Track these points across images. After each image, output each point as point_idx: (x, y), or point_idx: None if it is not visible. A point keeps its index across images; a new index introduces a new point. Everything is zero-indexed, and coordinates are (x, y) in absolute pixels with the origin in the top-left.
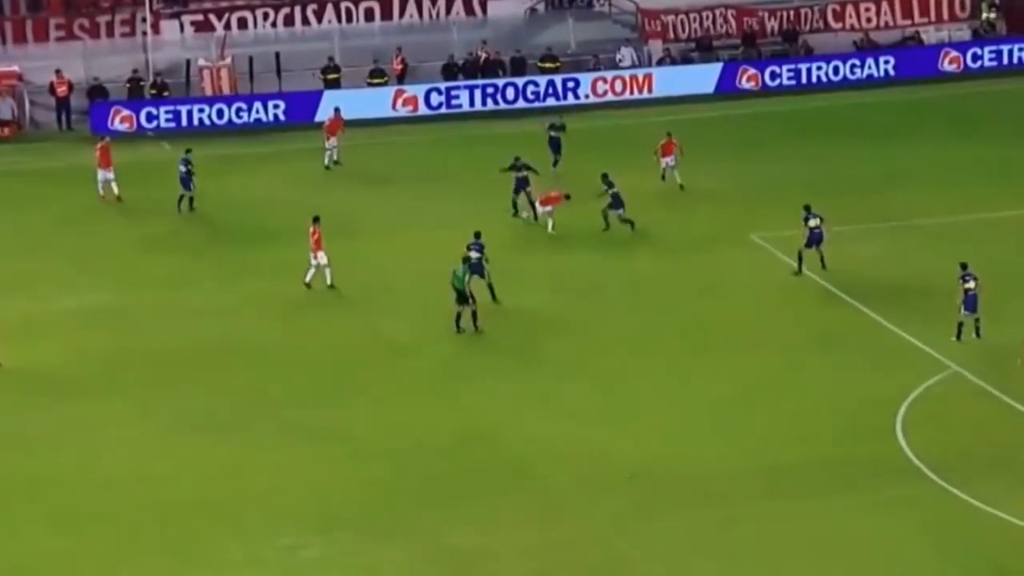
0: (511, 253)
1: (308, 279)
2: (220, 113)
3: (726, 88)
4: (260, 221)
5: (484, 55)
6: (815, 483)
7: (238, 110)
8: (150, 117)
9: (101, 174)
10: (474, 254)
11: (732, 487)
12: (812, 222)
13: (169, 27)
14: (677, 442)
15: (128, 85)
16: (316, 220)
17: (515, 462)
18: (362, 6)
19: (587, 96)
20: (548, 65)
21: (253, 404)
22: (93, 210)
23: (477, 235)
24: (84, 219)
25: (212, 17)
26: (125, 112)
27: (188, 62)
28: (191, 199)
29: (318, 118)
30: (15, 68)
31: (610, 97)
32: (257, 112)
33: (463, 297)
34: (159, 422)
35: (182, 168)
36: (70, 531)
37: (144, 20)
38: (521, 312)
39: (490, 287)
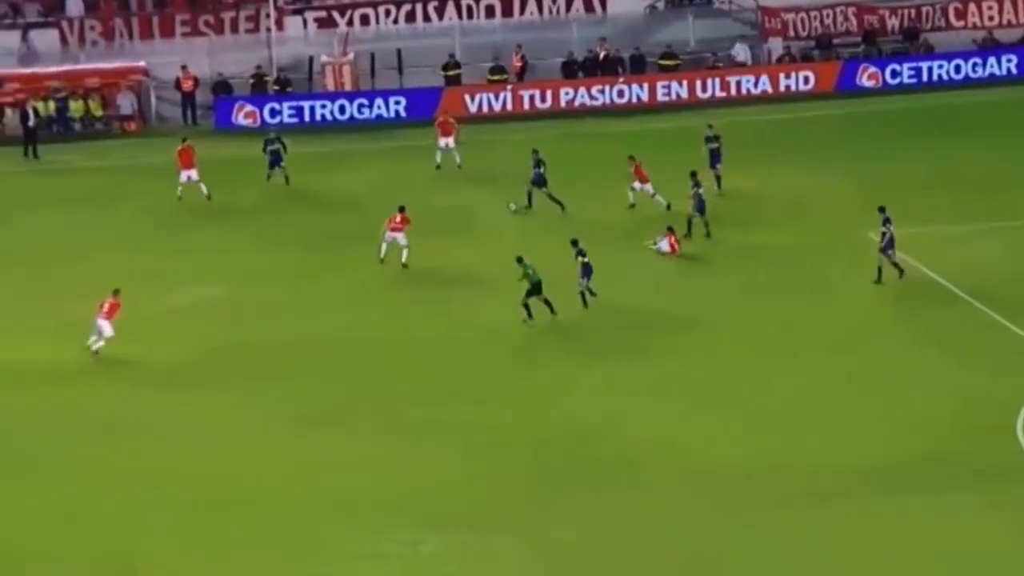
0: (616, 251)
1: (383, 255)
2: (342, 109)
3: (846, 86)
4: (377, 217)
5: (603, 52)
6: (930, 481)
7: (360, 106)
8: (273, 112)
9: (184, 175)
10: (583, 258)
11: (844, 483)
12: (886, 227)
13: (293, 23)
14: (788, 438)
15: (252, 81)
16: (402, 209)
17: (624, 456)
18: (483, 3)
19: (705, 93)
20: (667, 63)
21: (364, 398)
22: (211, 205)
23: (575, 242)
24: (201, 214)
25: (335, 13)
26: (249, 107)
27: (311, 58)
28: (286, 177)
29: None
30: (141, 64)
31: (725, 94)
32: (378, 108)
33: (538, 289)
34: (273, 416)
35: (272, 147)
36: (184, 524)
37: (268, 16)
38: (628, 309)
39: (588, 290)
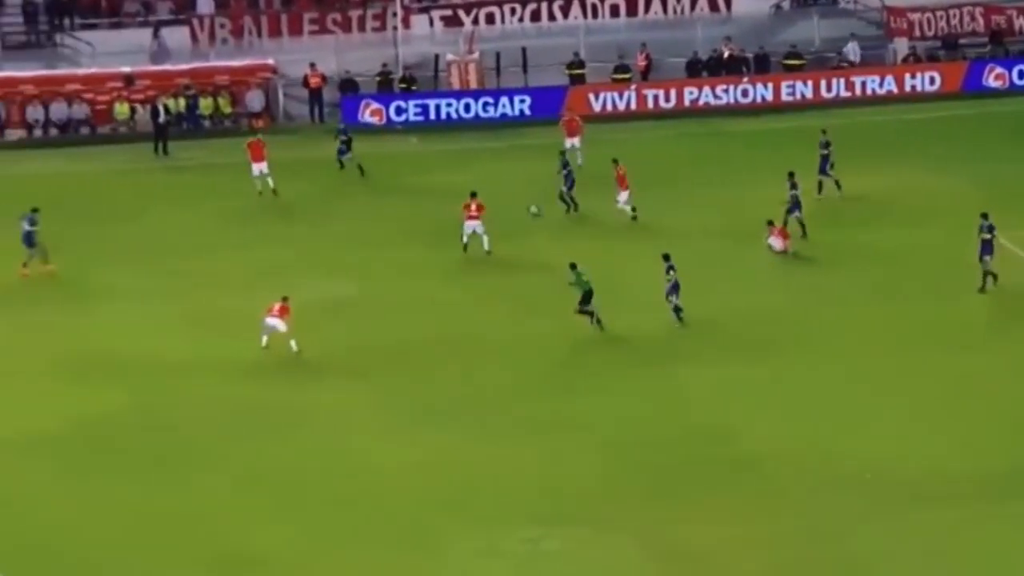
0: (734, 250)
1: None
2: (467, 107)
3: (972, 86)
4: (501, 215)
5: (728, 52)
6: None
7: (485, 104)
8: (399, 111)
9: (255, 168)
10: (672, 273)
11: (964, 488)
12: (987, 233)
13: (419, 22)
14: (907, 441)
15: (378, 79)
16: (474, 195)
17: (744, 457)
18: (608, 2)
19: (829, 93)
20: (792, 62)
21: (486, 395)
22: (335, 201)
23: (667, 257)
24: (328, 210)
25: (461, 12)
26: (375, 105)
27: (437, 56)
28: (359, 166)
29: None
30: (269, 61)
31: (850, 94)
32: (503, 106)
33: (589, 297)
34: (397, 412)
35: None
36: (307, 518)
37: (395, 15)
38: (745, 310)
39: (676, 308)
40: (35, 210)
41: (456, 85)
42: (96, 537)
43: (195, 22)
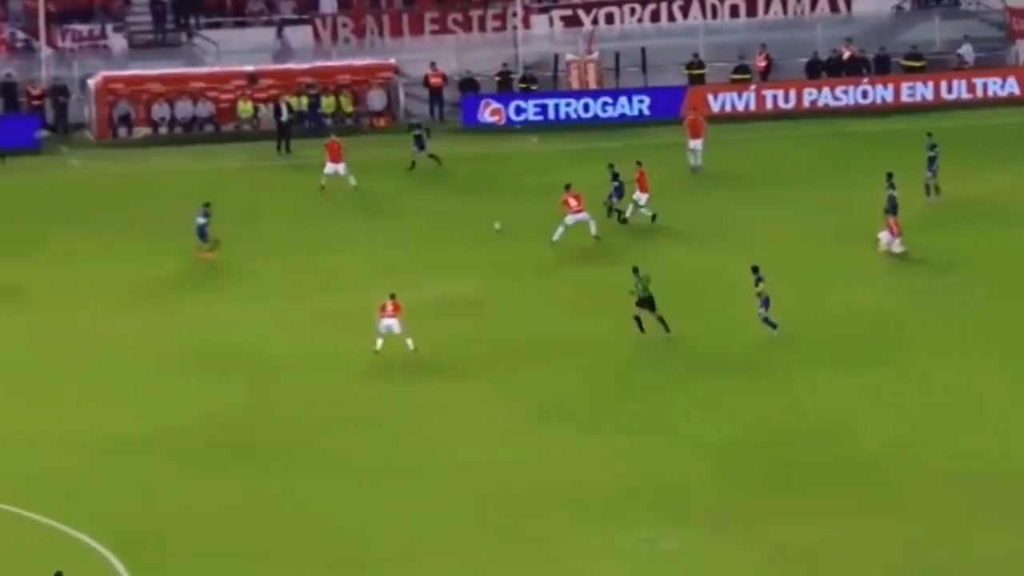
0: (850, 252)
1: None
2: (586, 107)
3: None
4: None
5: (848, 53)
6: None
7: (604, 104)
8: (518, 110)
9: (330, 167)
10: (761, 285)
11: None
12: None
13: (539, 22)
14: None
15: (498, 78)
16: (568, 187)
17: (862, 457)
18: (727, 3)
19: (950, 94)
20: (913, 64)
21: (601, 393)
22: (454, 199)
23: (756, 268)
24: (446, 209)
25: (581, 12)
26: (495, 105)
27: (556, 56)
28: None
29: (681, 113)
30: (391, 60)
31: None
32: (622, 107)
33: (646, 302)
34: (511, 410)
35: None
36: (424, 515)
37: (515, 15)
38: (862, 312)
39: (767, 320)
40: (207, 204)
41: (575, 85)
42: (215, 532)
43: (318, 21)
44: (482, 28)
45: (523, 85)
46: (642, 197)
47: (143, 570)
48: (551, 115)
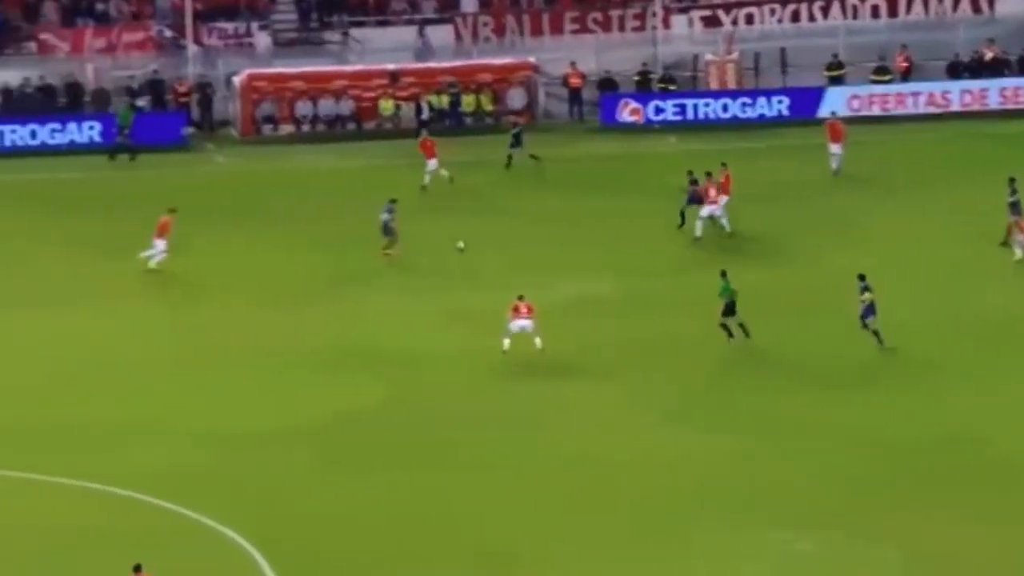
0: (986, 255)
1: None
2: (725, 107)
3: None
4: (758, 216)
5: (990, 54)
6: None
7: (743, 104)
8: (657, 110)
9: (430, 164)
10: (867, 294)
11: None
12: None
13: (678, 22)
14: None
15: (637, 78)
16: (709, 175)
17: (998, 459)
18: (868, 3)
19: None
20: None
21: (733, 394)
22: (594, 198)
23: (862, 277)
24: (586, 208)
25: (720, 12)
26: (634, 104)
27: (695, 56)
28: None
29: (820, 114)
30: (531, 60)
31: None
32: (761, 107)
33: (729, 309)
34: (645, 409)
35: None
36: (559, 513)
37: (655, 15)
38: (993, 313)
39: (872, 330)
40: (393, 200)
41: (714, 85)
42: (352, 530)
43: (459, 20)
44: (622, 28)
45: (662, 85)
46: (722, 199)
47: (286, 566)
48: (690, 115)
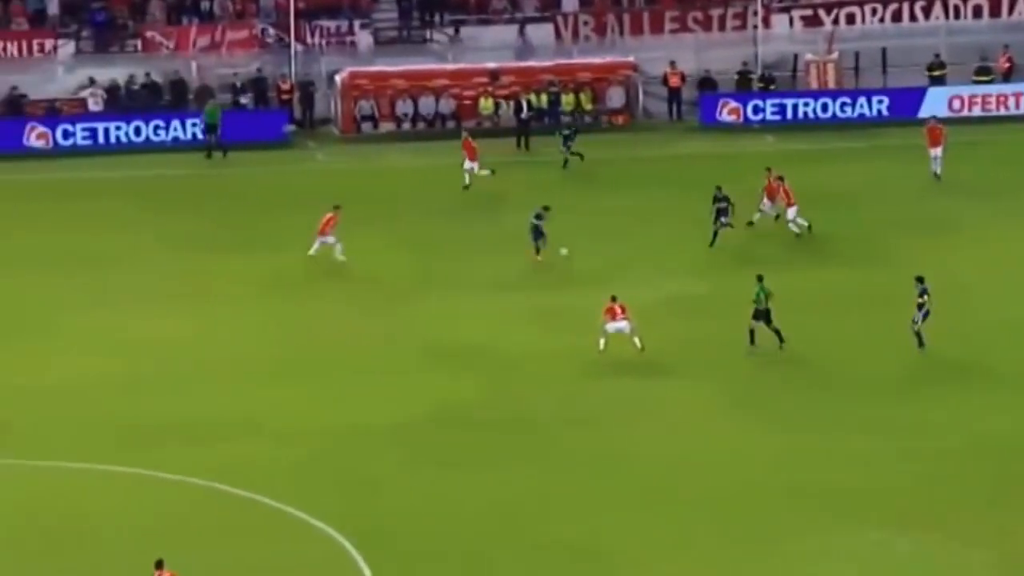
0: None
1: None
2: (824, 107)
3: None
4: (851, 216)
5: None
6: None
7: (842, 104)
8: (756, 110)
9: (468, 164)
10: (924, 299)
11: None
12: None
13: (779, 21)
14: None
15: (737, 77)
16: (781, 179)
17: None
18: (971, 3)
19: None
20: None
21: (829, 394)
22: (688, 195)
23: (920, 279)
24: (678, 207)
25: (821, 12)
26: (733, 104)
27: (796, 56)
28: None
29: (920, 114)
30: (630, 59)
31: None
32: (861, 107)
33: (762, 315)
34: (736, 408)
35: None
36: (646, 509)
37: (755, 14)
38: None
39: (918, 334)
40: (546, 208)
41: (814, 85)
42: (445, 525)
43: (559, 19)
44: (722, 27)
45: (762, 85)
46: (768, 205)
47: (380, 561)
48: (789, 115)
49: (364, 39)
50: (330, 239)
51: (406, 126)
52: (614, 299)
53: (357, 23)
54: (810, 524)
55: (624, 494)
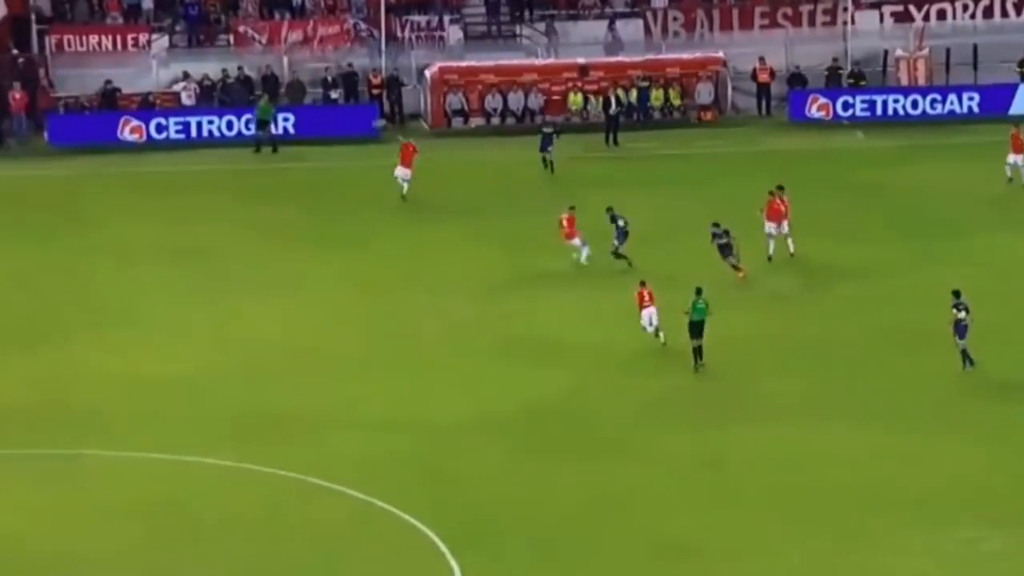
0: None
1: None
2: (914, 104)
3: None
4: (942, 212)
5: None
6: None
7: (932, 101)
8: (846, 106)
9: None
10: (961, 314)
11: None
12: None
13: (868, 17)
14: None
15: (826, 73)
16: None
17: None
18: None
19: None
20: None
21: (924, 391)
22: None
23: (957, 293)
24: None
25: (912, 8)
26: (822, 100)
27: (885, 52)
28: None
29: (1011, 112)
30: (719, 54)
31: None
32: (951, 104)
33: (696, 328)
34: (831, 405)
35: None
36: (742, 508)
37: (845, 10)
38: None
39: (963, 353)
40: (716, 224)
41: (904, 81)
42: (535, 519)
43: (649, 15)
44: (811, 23)
45: (851, 81)
46: (783, 227)
47: (469, 556)
48: (878, 111)
49: (453, 34)
50: (577, 241)
51: (495, 121)
52: (643, 284)
53: (447, 18)
54: (902, 520)
55: (715, 490)
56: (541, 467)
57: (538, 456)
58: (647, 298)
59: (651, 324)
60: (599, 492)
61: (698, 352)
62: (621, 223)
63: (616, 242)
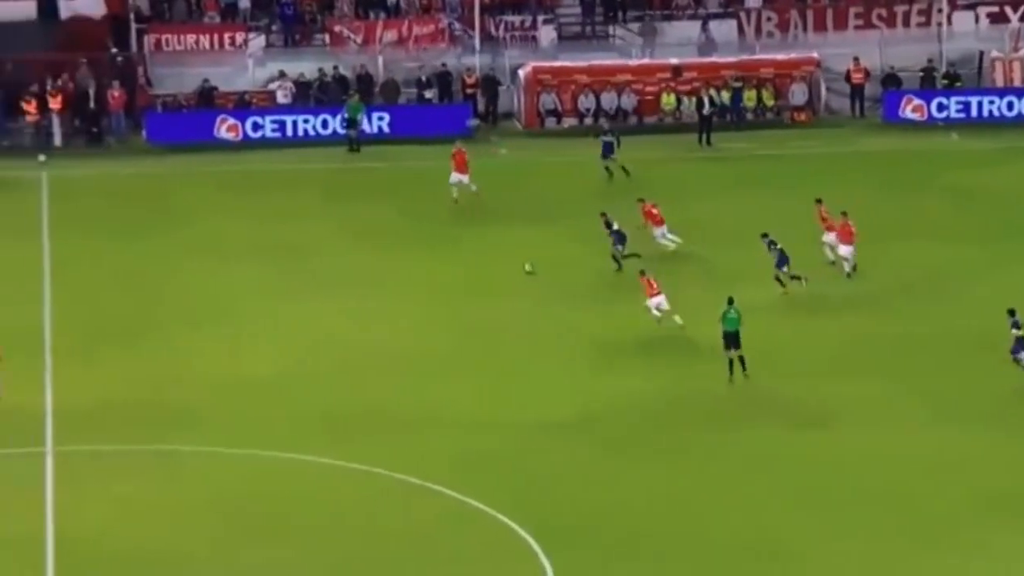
0: None
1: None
2: (1010, 105)
3: None
4: None
5: None
6: None
7: None
8: (940, 107)
9: (456, 177)
10: (1018, 331)
11: None
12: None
13: (963, 18)
14: None
15: (921, 74)
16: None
17: None
18: None
19: None
20: None
21: (1007, 391)
22: (864, 193)
23: (1012, 312)
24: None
25: (1007, 9)
26: (917, 101)
27: (981, 53)
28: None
29: None
30: (813, 55)
31: None
32: None
33: (732, 340)
34: (925, 407)
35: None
36: (834, 510)
37: (940, 11)
38: None
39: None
40: (765, 233)
41: (1000, 83)
42: (625, 519)
43: (743, 15)
44: (906, 24)
45: (946, 82)
46: (830, 236)
47: (561, 555)
48: (973, 112)
49: (547, 34)
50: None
51: (588, 121)
52: (643, 273)
53: (540, 18)
54: (1001, 528)
55: (802, 490)
56: (628, 466)
57: (630, 455)
58: (654, 285)
59: (659, 311)
60: (685, 490)
61: (740, 362)
62: (615, 227)
63: (619, 247)
